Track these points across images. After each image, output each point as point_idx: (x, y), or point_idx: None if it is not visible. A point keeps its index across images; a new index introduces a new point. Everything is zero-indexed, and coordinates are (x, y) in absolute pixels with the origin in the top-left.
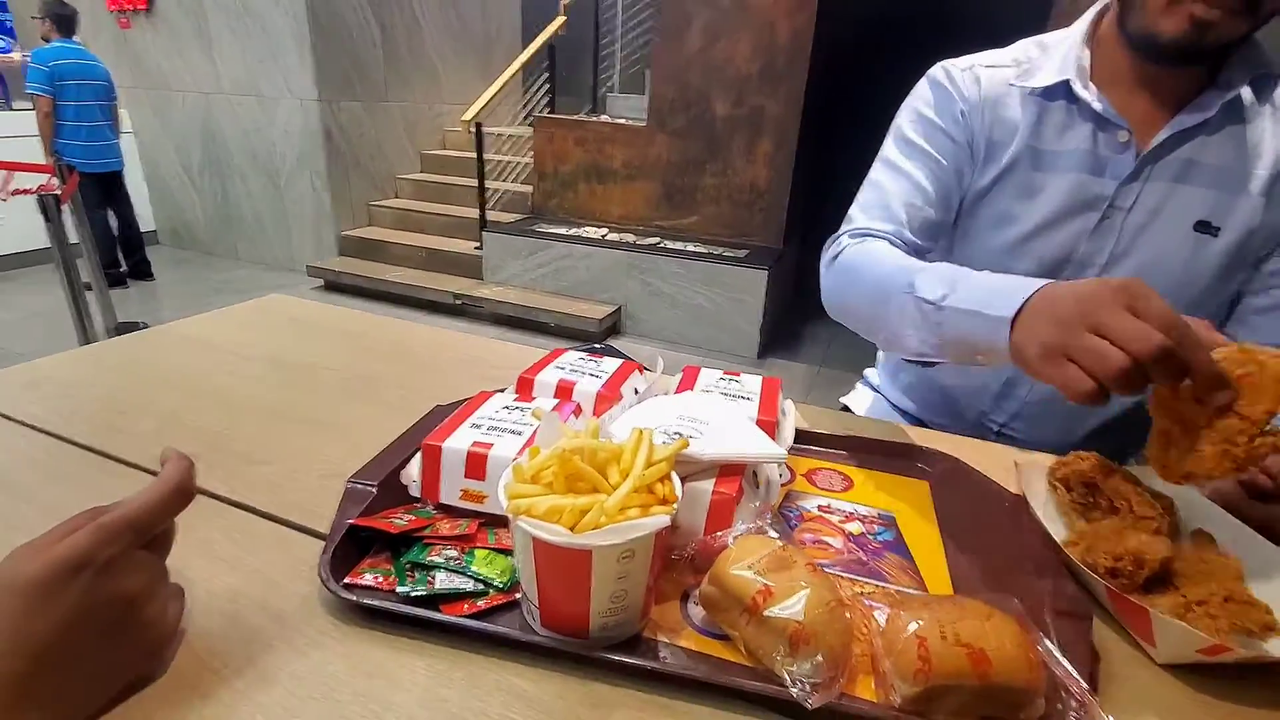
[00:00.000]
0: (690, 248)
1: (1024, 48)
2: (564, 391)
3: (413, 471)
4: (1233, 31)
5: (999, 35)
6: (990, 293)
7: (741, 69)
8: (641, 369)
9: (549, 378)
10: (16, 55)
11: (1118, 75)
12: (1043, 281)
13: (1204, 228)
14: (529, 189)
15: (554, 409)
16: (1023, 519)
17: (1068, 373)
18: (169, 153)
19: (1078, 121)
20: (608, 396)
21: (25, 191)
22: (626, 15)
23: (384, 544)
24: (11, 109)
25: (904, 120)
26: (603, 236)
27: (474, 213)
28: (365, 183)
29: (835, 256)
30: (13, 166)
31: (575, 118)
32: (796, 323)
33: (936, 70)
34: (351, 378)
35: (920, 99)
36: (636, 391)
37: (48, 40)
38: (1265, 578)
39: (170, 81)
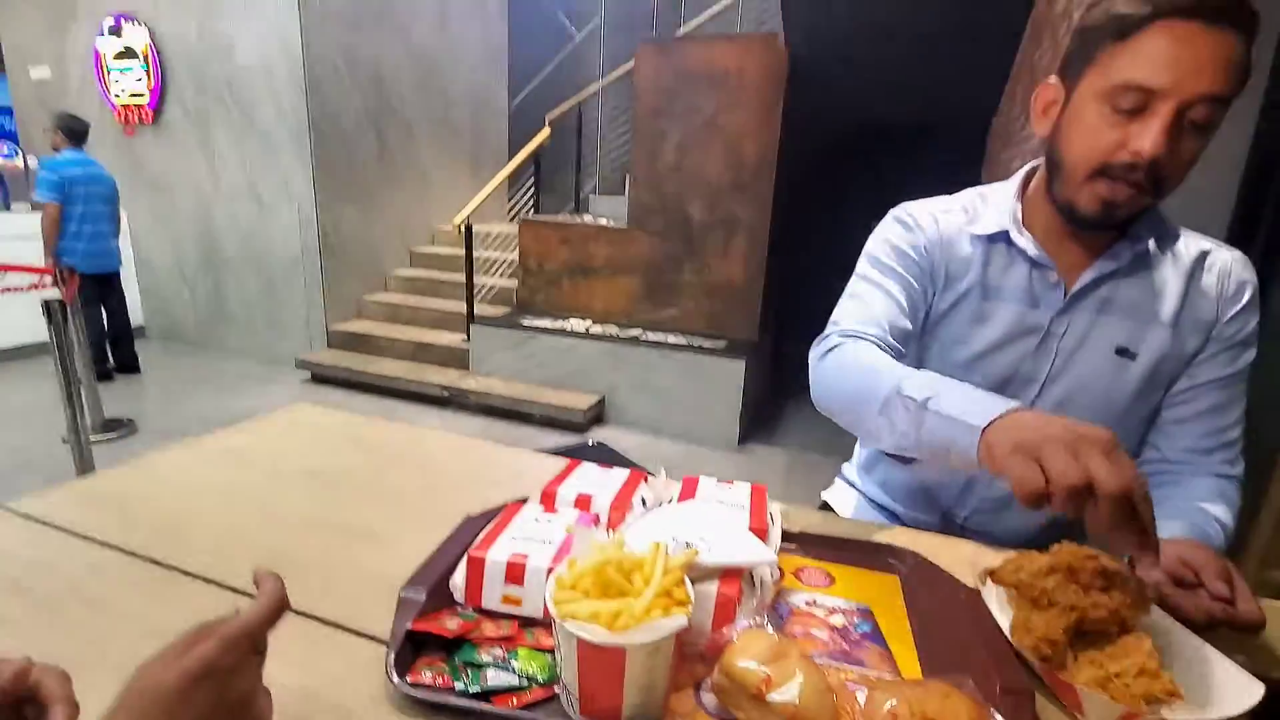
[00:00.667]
0: (671, 339)
1: (969, 197)
2: (582, 503)
3: (458, 579)
4: (1138, 207)
5: (937, 157)
6: (969, 402)
7: (714, 179)
8: (646, 477)
9: (569, 491)
10: (19, 161)
11: (1046, 226)
12: (1016, 403)
13: (1124, 353)
14: (515, 284)
15: (578, 520)
16: (977, 609)
17: (1028, 470)
18: (165, 252)
19: (1017, 262)
20: (620, 506)
21: (17, 289)
22: (607, 127)
23: (436, 645)
24: (9, 211)
25: (877, 247)
26: (586, 329)
27: (462, 306)
28: (357, 279)
29: (828, 351)
30: (10, 268)
31: (559, 219)
32: (774, 410)
33: (899, 211)
34: (381, 487)
35: (890, 231)
36: (644, 502)
37: (57, 150)
38: (1173, 655)
39: (171, 185)
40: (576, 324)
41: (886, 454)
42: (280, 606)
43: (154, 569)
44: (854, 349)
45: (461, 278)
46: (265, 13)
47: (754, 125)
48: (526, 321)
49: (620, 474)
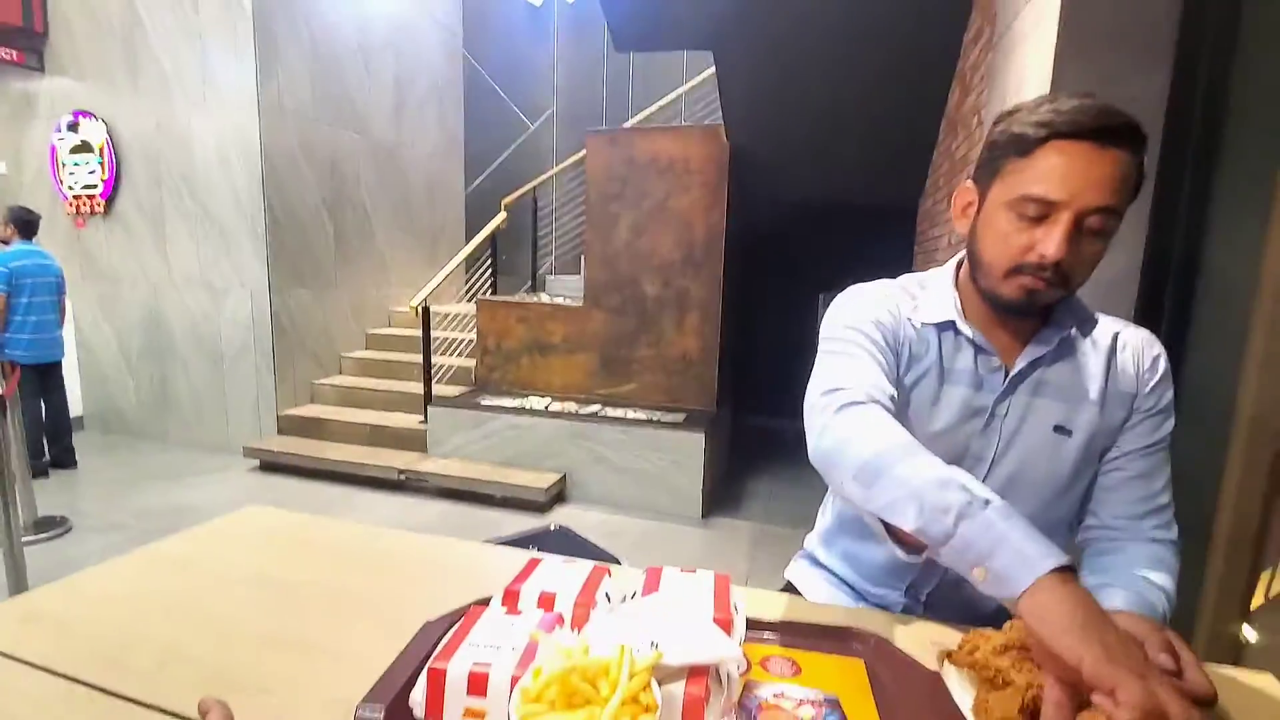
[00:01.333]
0: (630, 414)
1: (911, 284)
2: (546, 602)
3: (418, 695)
4: (1054, 297)
5: (873, 235)
6: (1029, 531)
7: (665, 257)
8: (609, 571)
9: (531, 590)
10: None
11: (980, 314)
12: (1067, 557)
13: (1060, 430)
14: (472, 363)
15: (540, 621)
16: (939, 692)
17: (1146, 693)
18: (109, 341)
19: (963, 347)
20: (584, 603)
21: None
22: (560, 210)
23: None
24: None
25: (849, 317)
26: (545, 407)
27: (418, 387)
28: (309, 363)
29: (846, 405)
30: None
31: (516, 299)
32: (735, 482)
33: (855, 289)
34: (335, 594)
35: (856, 304)
36: (608, 597)
37: (7, 243)
38: None
39: (120, 275)
40: (535, 402)
41: (890, 533)
42: None
43: (95, 696)
44: (881, 414)
45: (418, 358)
46: (224, 107)
47: (702, 208)
48: (485, 401)
49: (583, 568)
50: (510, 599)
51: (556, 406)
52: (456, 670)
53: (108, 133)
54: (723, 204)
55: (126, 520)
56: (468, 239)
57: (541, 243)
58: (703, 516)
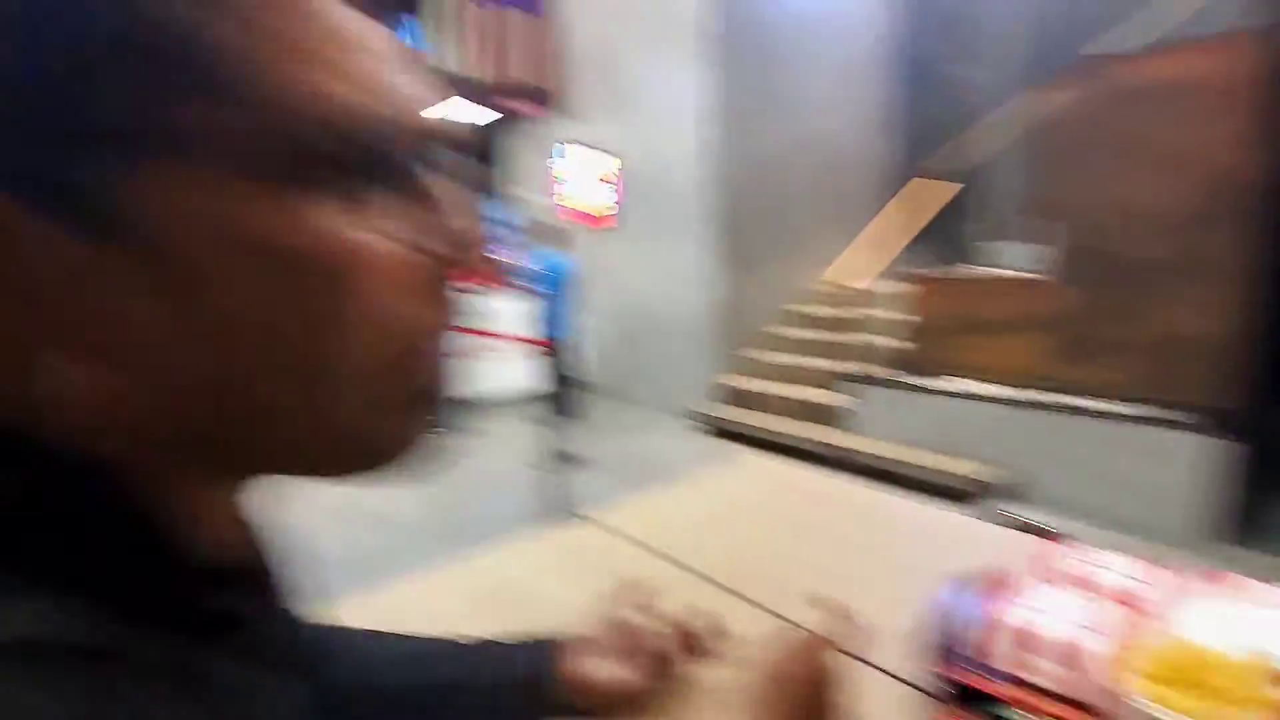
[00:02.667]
0: (1094, 405)
1: None
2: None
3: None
4: None
5: None
6: None
7: (1156, 211)
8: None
9: (1088, 574)
10: None
11: None
12: None
13: None
14: (899, 343)
15: (1112, 594)
16: None
17: None
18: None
19: None
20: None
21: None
22: (997, 163)
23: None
24: None
25: None
26: (986, 392)
27: (839, 366)
28: (738, 336)
29: None
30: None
31: (953, 274)
32: (1268, 506)
33: None
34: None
35: None
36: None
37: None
38: None
39: (615, 274)
40: (973, 385)
41: None
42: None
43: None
44: None
45: (835, 336)
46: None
47: (1219, 142)
48: (914, 381)
49: (1126, 562)
50: (1053, 577)
51: (997, 392)
52: (1044, 634)
53: (619, 165)
54: (1256, 134)
55: (609, 459)
56: (881, 204)
57: (975, 203)
58: (1205, 542)
